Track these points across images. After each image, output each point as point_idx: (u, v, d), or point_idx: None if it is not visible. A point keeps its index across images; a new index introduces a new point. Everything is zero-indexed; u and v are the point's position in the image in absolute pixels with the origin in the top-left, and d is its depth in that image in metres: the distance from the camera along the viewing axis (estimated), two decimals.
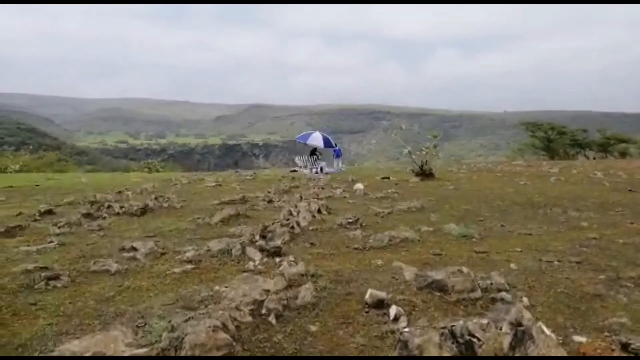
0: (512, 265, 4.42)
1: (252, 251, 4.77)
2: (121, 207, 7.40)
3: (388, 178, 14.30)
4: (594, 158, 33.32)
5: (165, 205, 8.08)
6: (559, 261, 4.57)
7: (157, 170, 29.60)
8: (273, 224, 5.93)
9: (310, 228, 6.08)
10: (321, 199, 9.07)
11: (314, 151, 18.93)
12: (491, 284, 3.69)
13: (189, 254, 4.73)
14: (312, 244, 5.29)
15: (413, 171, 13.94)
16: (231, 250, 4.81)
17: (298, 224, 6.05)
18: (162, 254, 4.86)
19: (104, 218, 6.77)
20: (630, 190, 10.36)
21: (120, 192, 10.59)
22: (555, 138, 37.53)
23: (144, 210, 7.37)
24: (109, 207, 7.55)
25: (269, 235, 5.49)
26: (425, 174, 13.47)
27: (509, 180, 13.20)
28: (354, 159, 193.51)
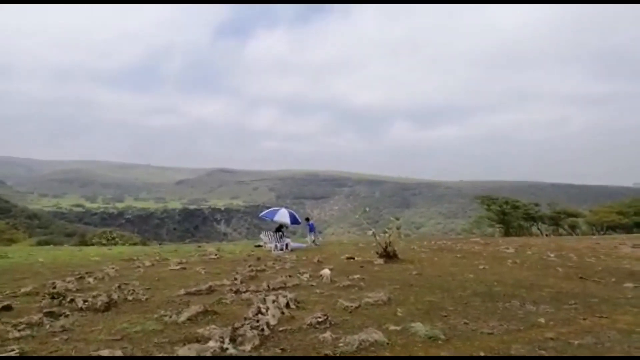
0: None
1: None
2: (84, 302, 7.18)
3: (353, 258, 14.50)
4: (547, 234, 34.84)
5: (130, 297, 7.90)
6: None
7: (115, 243, 28.67)
8: (242, 325, 5.92)
9: (280, 329, 6.09)
10: (289, 287, 9.11)
11: (279, 227, 19.03)
12: None
13: None
14: (282, 349, 5.31)
15: (377, 252, 14.21)
16: None
17: (268, 324, 6.06)
18: None
19: (67, 316, 6.55)
20: (581, 278, 10.94)
21: (81, 277, 10.25)
22: (509, 211, 39.23)
23: (109, 305, 7.18)
24: (71, 300, 7.32)
25: (239, 339, 5.49)
26: (389, 255, 13.76)
27: (469, 263, 13.64)
28: (317, 224, 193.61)
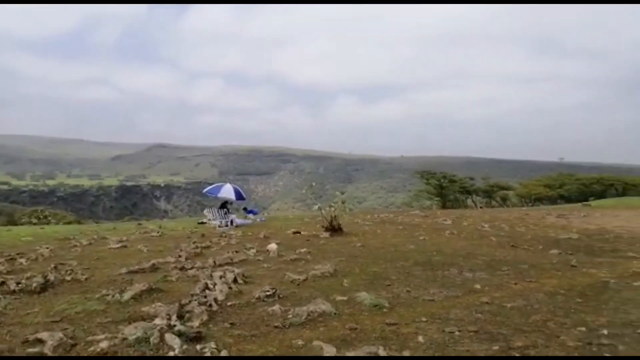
0: (420, 339, 4.84)
1: (171, 338, 4.69)
2: (17, 283, 6.79)
3: (299, 233, 14.63)
4: (481, 207, 36.77)
5: (68, 277, 7.55)
6: (459, 331, 5.08)
7: (48, 222, 27.11)
8: (190, 301, 5.86)
9: (229, 303, 6.08)
10: (236, 263, 9.08)
11: (224, 204, 18.76)
12: None
13: (103, 345, 4.53)
14: (232, 324, 5.32)
15: (323, 226, 14.43)
16: (149, 338, 4.69)
17: (215, 300, 6.04)
18: (73, 345, 4.59)
19: None
20: (512, 246, 11.71)
21: (11, 258, 9.66)
22: (446, 185, 40.99)
23: (45, 286, 6.84)
24: (2, 283, 6.89)
25: (187, 315, 5.44)
26: (334, 229, 14.01)
27: (410, 234, 14.19)
28: (261, 200, 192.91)
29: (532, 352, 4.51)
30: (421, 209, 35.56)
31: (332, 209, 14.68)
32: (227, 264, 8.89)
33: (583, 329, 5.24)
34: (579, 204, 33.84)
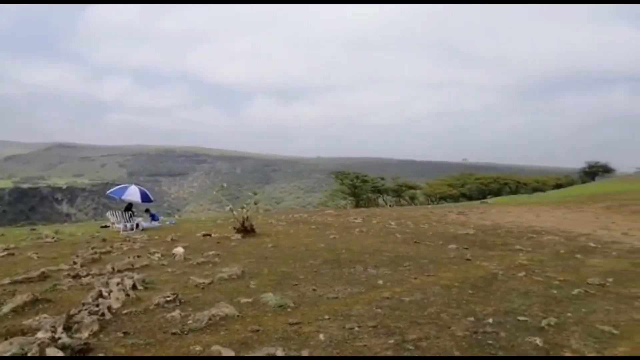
0: (321, 337, 4.90)
1: (52, 352, 4.32)
2: None
3: (210, 235, 14.24)
4: (390, 205, 38.39)
5: None
6: (359, 327, 5.22)
7: None
8: (80, 311, 5.45)
9: (124, 311, 5.74)
10: (137, 268, 8.61)
11: (129, 206, 17.72)
12: None
13: None
14: (125, 333, 5.02)
15: (234, 228, 14.17)
16: (26, 354, 4.28)
17: (109, 308, 5.67)
18: None
19: None
20: (415, 242, 12.33)
21: None
22: (359, 185, 42.29)
23: None
24: None
25: (75, 326, 5.05)
26: (246, 230, 13.82)
27: (321, 233, 14.40)
28: (175, 202, 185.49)
29: (424, 344, 4.75)
30: (335, 208, 36.32)
31: (245, 210, 14.47)
32: (127, 269, 8.39)
33: (472, 318, 5.63)
34: (478, 201, 36.58)
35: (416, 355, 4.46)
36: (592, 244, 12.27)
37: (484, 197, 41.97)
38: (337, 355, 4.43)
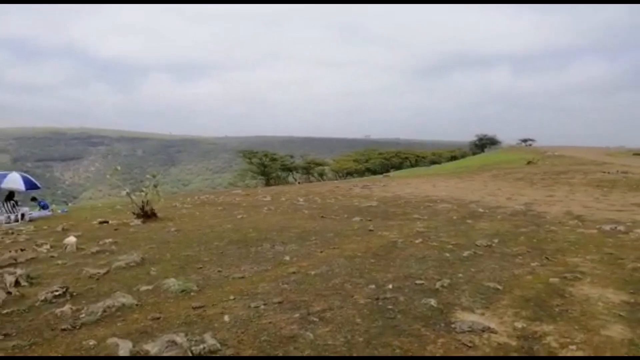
0: (226, 318, 4.82)
1: None
2: None
3: (107, 222, 13.34)
4: (299, 182, 38.81)
5: None
6: (265, 304, 5.22)
7: None
8: None
9: (5, 311, 5.17)
10: (21, 263, 7.81)
11: (11, 195, 15.94)
12: (204, 347, 3.97)
13: None
14: (6, 335, 4.54)
15: (134, 213, 13.40)
16: None
17: None
18: None
19: None
20: (322, 217, 12.59)
21: None
22: (268, 164, 42.16)
23: None
24: None
25: None
26: (147, 215, 13.13)
27: (229, 214, 14.16)
28: (70, 189, 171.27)
29: (328, 315, 4.87)
30: (244, 188, 35.90)
31: (144, 193, 13.71)
32: (8, 265, 7.57)
33: (373, 286, 5.88)
34: (381, 175, 38.29)
35: (320, 326, 4.56)
36: (480, 210, 13.41)
37: (387, 171, 44.02)
38: (241, 334, 4.39)
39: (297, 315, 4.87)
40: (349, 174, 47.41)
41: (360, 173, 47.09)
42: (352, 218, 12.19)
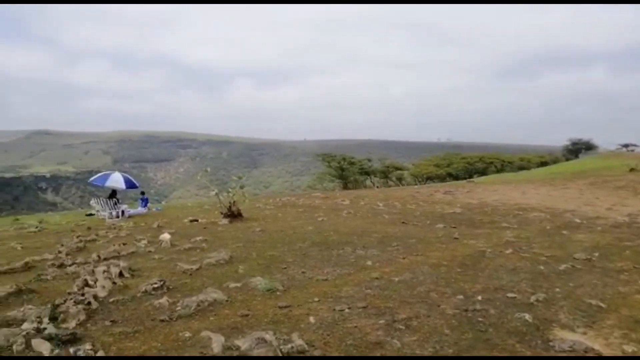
0: (311, 319, 4.89)
1: (38, 343, 4.24)
2: None
3: (197, 220, 14.13)
4: (378, 187, 38.50)
5: None
6: (349, 308, 5.22)
7: None
8: (65, 301, 5.35)
9: (111, 300, 5.66)
10: (123, 256, 8.50)
11: (113, 193, 17.45)
12: (292, 347, 4.05)
13: None
14: (113, 321, 4.95)
15: (221, 213, 14.06)
16: (12, 345, 4.19)
17: (96, 297, 5.58)
18: None
19: None
20: (403, 222, 12.37)
21: None
22: (346, 167, 42.26)
23: None
24: None
25: (61, 317, 4.96)
26: (233, 215, 13.72)
27: (309, 216, 14.37)
28: (162, 188, 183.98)
29: (415, 323, 4.77)
30: (323, 191, 36.32)
31: (231, 194, 14.35)
32: (113, 257, 8.28)
33: (461, 296, 5.66)
34: (464, 180, 36.86)
35: (407, 334, 4.47)
36: (577, 220, 12.44)
37: (470, 176, 42.31)
38: (327, 336, 4.42)
39: (382, 321, 4.81)
40: (429, 178, 46.18)
41: (441, 178, 45.66)
42: (435, 225, 11.85)
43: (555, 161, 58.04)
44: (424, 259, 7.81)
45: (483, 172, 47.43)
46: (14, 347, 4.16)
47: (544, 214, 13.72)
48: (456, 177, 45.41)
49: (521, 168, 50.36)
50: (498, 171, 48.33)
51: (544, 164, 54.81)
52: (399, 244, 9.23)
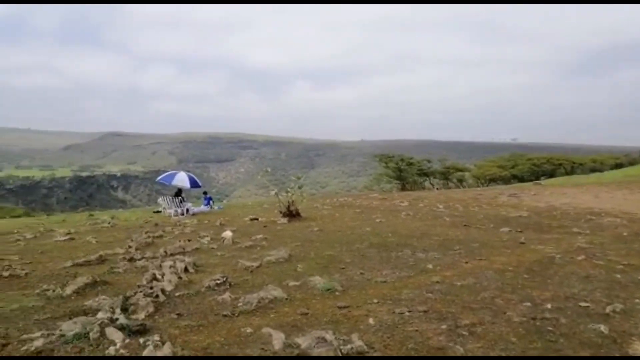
0: (371, 321, 4.83)
1: (112, 332, 4.48)
2: None
3: (257, 219, 14.45)
4: (438, 188, 37.56)
5: (6, 273, 7.11)
6: (409, 311, 5.11)
7: None
8: (135, 293, 5.63)
9: (177, 294, 5.89)
10: (188, 252, 8.84)
11: (179, 192, 18.28)
12: (352, 348, 4.01)
13: (37, 343, 4.26)
14: (179, 314, 5.14)
15: (280, 212, 14.30)
16: (88, 333, 4.46)
17: (163, 290, 5.83)
18: (4, 345, 4.30)
19: None
20: (465, 225, 11.97)
21: None
22: (405, 168, 41.55)
23: None
24: None
25: (131, 308, 5.22)
26: (291, 214, 13.91)
27: (367, 217, 14.27)
28: (223, 187, 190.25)
29: (479, 329, 4.58)
30: (380, 192, 35.97)
31: (290, 194, 14.56)
32: (178, 253, 8.63)
33: (528, 304, 5.39)
34: (531, 183, 35.15)
35: (471, 341, 4.30)
36: None
37: (537, 179, 40.25)
38: (387, 339, 4.35)
39: (444, 326, 4.67)
40: (492, 180, 44.39)
41: (506, 180, 43.74)
42: (500, 228, 11.37)
43: (632, 163, 53.92)
44: (488, 264, 7.51)
45: (551, 174, 44.97)
46: (90, 334, 4.42)
47: (620, 220, 12.78)
48: (522, 179, 43.37)
49: (593, 170, 47.28)
50: (568, 173, 45.62)
51: (619, 165, 51.12)
52: (461, 247, 8.94)
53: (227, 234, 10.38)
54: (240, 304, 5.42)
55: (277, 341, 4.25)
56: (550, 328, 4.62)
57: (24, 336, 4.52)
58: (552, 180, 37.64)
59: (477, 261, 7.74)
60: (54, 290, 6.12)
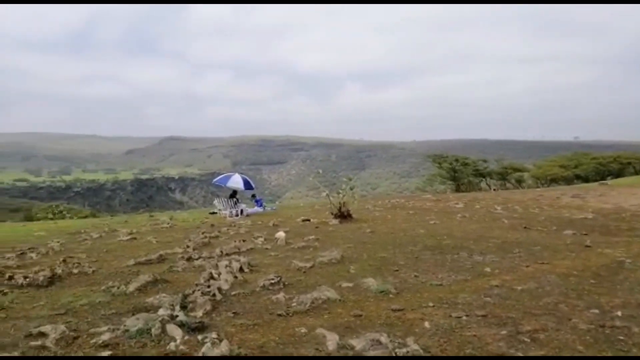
0: (426, 324, 4.72)
1: (172, 329, 4.64)
2: (25, 277, 6.81)
3: (309, 220, 14.55)
4: (495, 189, 36.26)
5: (76, 270, 7.57)
6: (467, 316, 4.95)
7: (63, 217, 27.48)
8: (193, 291, 5.81)
9: (233, 293, 6.02)
10: (243, 252, 9.03)
11: (234, 193, 18.77)
12: (407, 351, 3.93)
13: (104, 337, 4.49)
14: (235, 313, 5.26)
15: (332, 213, 14.33)
16: (150, 329, 4.64)
17: (220, 289, 5.98)
18: (75, 338, 4.57)
19: (5, 294, 6.20)
20: (525, 228, 11.48)
21: (22, 253, 9.73)
22: (459, 168, 40.47)
23: (52, 280, 6.86)
24: (10, 277, 6.93)
25: (190, 305, 5.39)
26: (343, 215, 13.90)
27: (420, 219, 14.01)
28: (275, 189, 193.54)
29: (542, 336, 4.37)
30: (433, 193, 35.22)
31: (341, 195, 14.55)
32: (234, 253, 8.84)
33: (596, 310, 5.08)
34: (596, 183, 33.20)
35: (533, 348, 4.10)
36: None
37: (603, 179, 37.94)
38: (444, 343, 4.23)
39: (504, 332, 4.48)
40: (553, 180, 42.26)
41: (568, 180, 41.52)
42: (563, 231, 10.81)
43: None
44: (551, 268, 7.15)
45: (618, 174, 42.23)
46: (152, 330, 4.60)
47: None
48: (586, 179, 41.05)
49: None
50: (637, 173, 42.68)
51: None
52: (521, 250, 8.57)
53: (281, 234, 10.52)
54: (294, 304, 5.46)
55: (331, 342, 4.24)
56: (621, 337, 4.32)
57: (92, 330, 4.78)
58: (620, 180, 35.32)
59: (538, 265, 7.40)
60: (118, 287, 6.43)
